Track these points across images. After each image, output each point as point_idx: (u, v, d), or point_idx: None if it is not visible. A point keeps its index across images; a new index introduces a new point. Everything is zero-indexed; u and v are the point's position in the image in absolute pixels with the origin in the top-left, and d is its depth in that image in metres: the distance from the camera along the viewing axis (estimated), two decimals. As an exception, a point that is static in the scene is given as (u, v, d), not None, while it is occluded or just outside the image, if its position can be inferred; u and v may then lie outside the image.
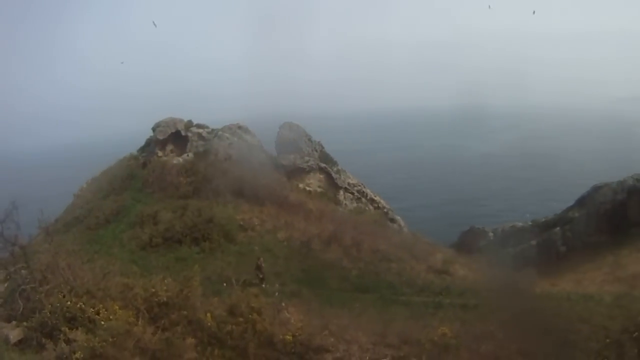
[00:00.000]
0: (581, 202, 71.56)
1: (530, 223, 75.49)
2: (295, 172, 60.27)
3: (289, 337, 19.67)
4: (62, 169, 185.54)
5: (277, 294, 26.56)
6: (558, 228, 67.37)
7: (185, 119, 65.17)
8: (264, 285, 31.80)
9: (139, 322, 17.93)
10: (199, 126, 64.45)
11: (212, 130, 62.76)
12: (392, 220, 62.45)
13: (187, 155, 58.40)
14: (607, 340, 21.33)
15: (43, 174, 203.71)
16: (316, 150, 67.85)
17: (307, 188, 58.91)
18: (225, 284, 27.35)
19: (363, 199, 62.97)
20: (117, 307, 18.34)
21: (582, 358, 22.01)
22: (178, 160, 56.78)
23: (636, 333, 20.78)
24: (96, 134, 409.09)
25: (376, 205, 63.63)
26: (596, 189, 70.96)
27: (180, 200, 44.15)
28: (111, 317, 17.56)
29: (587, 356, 21.64)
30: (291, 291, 28.83)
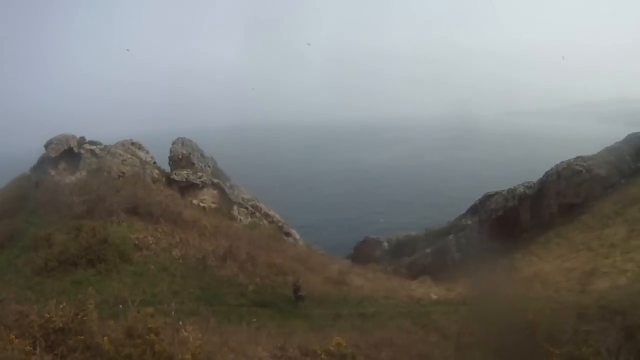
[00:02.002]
0: (474, 210, 74.95)
1: (424, 231, 78.10)
2: (189, 188, 59.96)
3: (188, 357, 19.60)
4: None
5: (173, 313, 26.46)
6: (452, 236, 70.32)
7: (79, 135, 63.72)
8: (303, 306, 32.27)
9: (37, 351, 17.50)
10: (92, 143, 63.25)
11: (105, 147, 61.60)
12: (288, 234, 63.16)
13: (81, 174, 56.99)
14: (503, 341, 22.67)
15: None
16: (209, 166, 67.81)
17: (202, 204, 58.68)
18: (121, 306, 27.01)
19: (257, 214, 63.35)
20: (14, 337, 17.78)
21: (479, 359, 23.33)
22: (71, 179, 55.33)
23: (528, 332, 22.23)
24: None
25: (271, 219, 64.15)
26: (488, 197, 74.62)
27: (75, 221, 42.61)
28: (7, 347, 17.10)
29: (484, 357, 22.95)
30: (189, 309, 28.82)
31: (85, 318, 20.43)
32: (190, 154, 66.53)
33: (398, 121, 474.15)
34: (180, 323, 23.11)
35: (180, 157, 65.49)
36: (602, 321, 23.89)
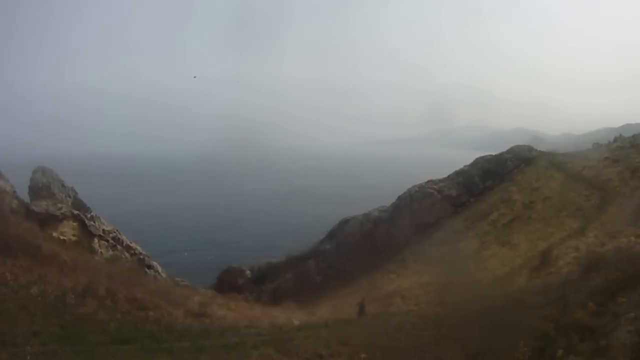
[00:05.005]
0: (331, 234, 77.99)
1: (284, 257, 79.97)
2: (49, 220, 57.50)
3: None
4: None
5: (28, 357, 25.72)
6: (311, 260, 72.59)
7: None
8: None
9: None
10: (-52, 168, 59.47)
11: (-37, 173, 58.25)
12: (149, 266, 62.07)
13: None
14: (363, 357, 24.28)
15: None
16: (70, 196, 65.69)
17: (61, 237, 56.32)
18: (-27, 354, 25.68)
19: (119, 246, 61.83)
20: None
21: None
22: None
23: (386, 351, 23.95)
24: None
25: (132, 251, 62.90)
26: (344, 221, 77.95)
27: None
28: None
29: None
30: (50, 350, 28.16)
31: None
32: (50, 183, 64.19)
33: (263, 154, 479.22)
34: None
35: (40, 186, 63.03)
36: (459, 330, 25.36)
